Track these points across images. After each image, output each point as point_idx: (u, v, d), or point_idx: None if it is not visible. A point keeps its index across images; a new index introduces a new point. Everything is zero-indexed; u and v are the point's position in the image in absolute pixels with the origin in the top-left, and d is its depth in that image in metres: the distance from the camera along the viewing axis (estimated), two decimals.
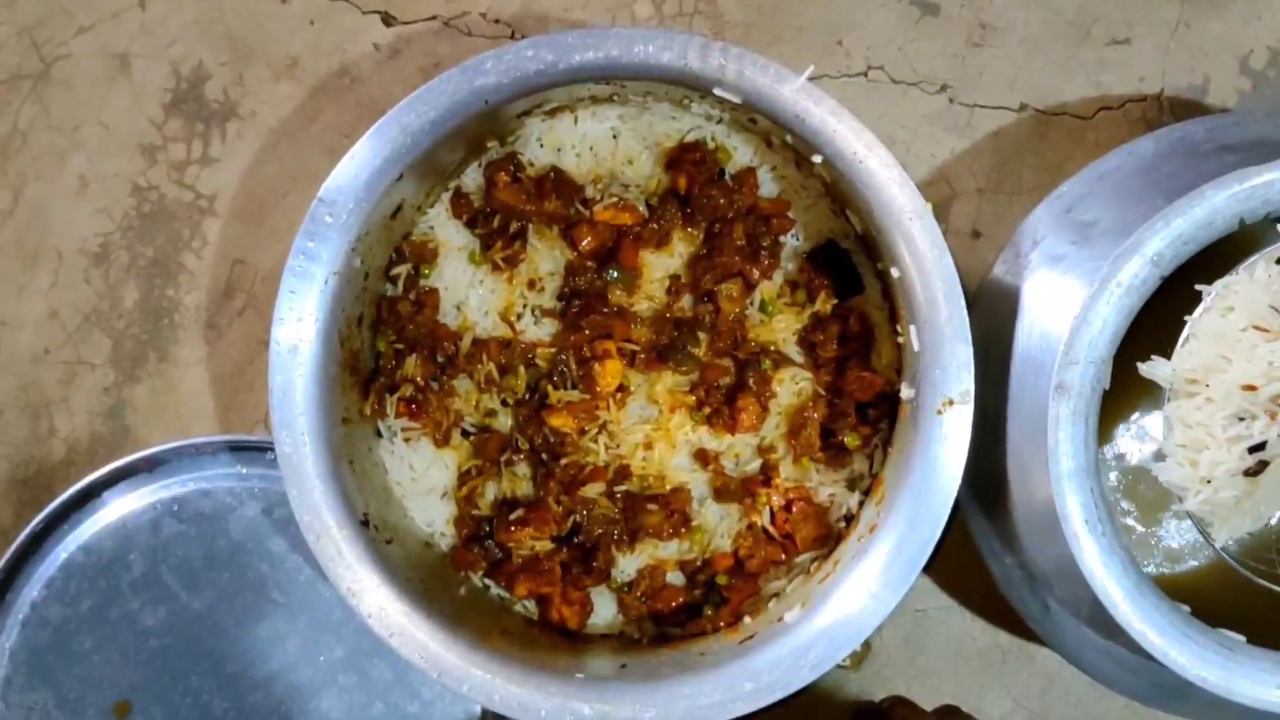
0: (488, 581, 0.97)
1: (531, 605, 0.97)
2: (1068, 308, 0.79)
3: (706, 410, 0.95)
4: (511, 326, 0.97)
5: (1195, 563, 0.87)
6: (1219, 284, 0.80)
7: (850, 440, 0.93)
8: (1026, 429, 0.83)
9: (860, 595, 0.85)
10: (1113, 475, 0.87)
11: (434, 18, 1.05)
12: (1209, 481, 0.81)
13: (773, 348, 0.96)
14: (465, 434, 0.97)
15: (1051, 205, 0.91)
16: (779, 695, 0.84)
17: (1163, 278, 0.78)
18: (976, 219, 1.02)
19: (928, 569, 0.85)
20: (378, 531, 0.90)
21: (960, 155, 1.03)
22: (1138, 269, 0.76)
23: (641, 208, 0.96)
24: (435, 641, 0.86)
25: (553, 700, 0.84)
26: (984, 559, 0.95)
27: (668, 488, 0.95)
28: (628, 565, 0.96)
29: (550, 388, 0.95)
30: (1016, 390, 0.86)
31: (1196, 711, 0.92)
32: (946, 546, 0.85)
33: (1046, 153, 1.02)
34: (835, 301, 0.95)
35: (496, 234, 0.96)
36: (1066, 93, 1.02)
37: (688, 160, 0.94)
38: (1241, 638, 0.79)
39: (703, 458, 0.96)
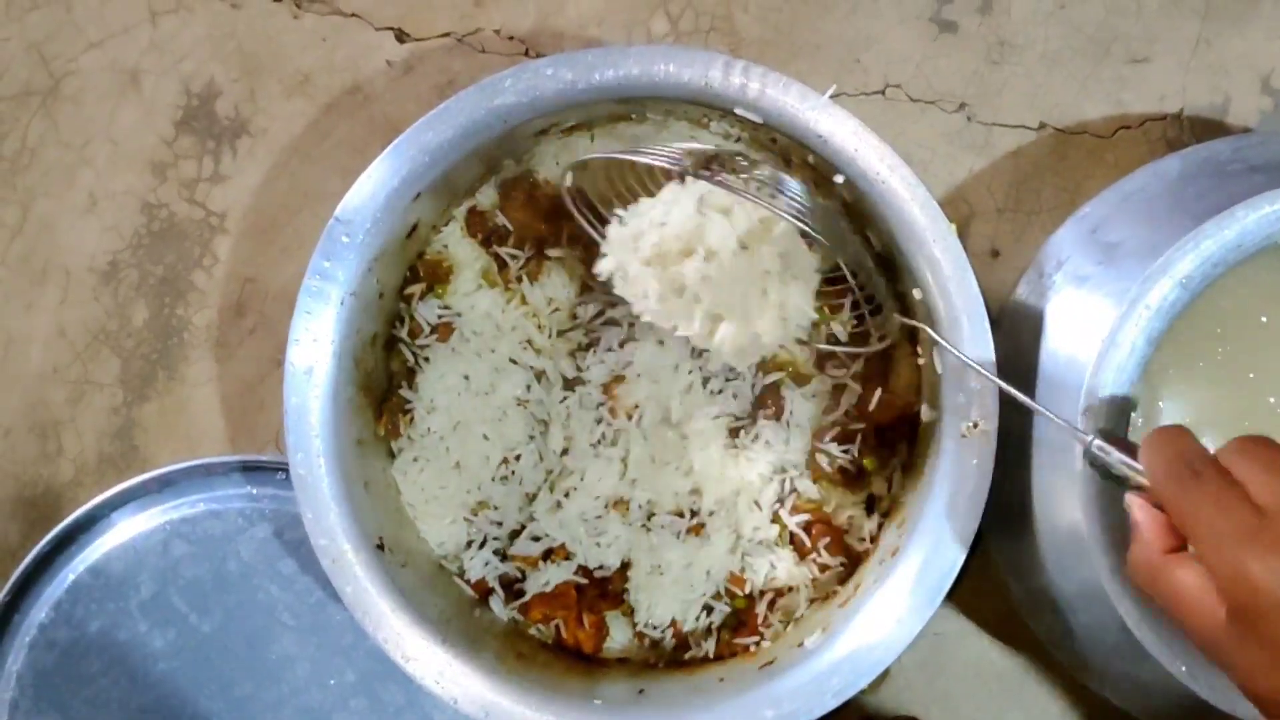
0: (501, 605, 0.96)
1: (546, 629, 0.96)
2: (1093, 330, 0.78)
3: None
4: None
5: None
6: None
7: (869, 463, 0.92)
8: (1052, 452, 0.82)
9: (884, 621, 0.84)
10: None
11: (448, 34, 1.04)
12: None
13: (790, 368, 0.95)
14: None
15: (1075, 225, 0.90)
16: None
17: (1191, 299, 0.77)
18: (995, 238, 1.02)
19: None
20: (392, 555, 0.89)
21: (979, 174, 1.02)
22: (1167, 291, 0.75)
23: None
24: (452, 667, 0.85)
25: None
26: (1004, 582, 0.94)
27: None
28: None
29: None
30: None
31: None
32: (965, 570, 0.84)
33: (1066, 172, 1.01)
34: (854, 322, 0.94)
35: (512, 253, 0.95)
36: (1086, 111, 1.01)
37: None
38: None
39: None
